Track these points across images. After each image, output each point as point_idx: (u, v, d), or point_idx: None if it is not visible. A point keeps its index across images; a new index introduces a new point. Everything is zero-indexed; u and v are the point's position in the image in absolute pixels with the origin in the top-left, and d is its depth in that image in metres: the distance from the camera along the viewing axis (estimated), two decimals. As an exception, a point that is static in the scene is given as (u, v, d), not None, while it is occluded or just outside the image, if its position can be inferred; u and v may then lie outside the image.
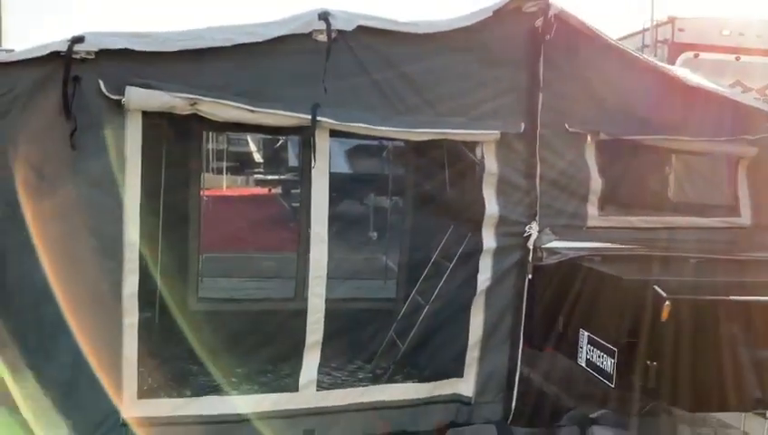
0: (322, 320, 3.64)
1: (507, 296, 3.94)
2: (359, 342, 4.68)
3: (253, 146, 16.11)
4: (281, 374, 4.35)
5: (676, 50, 8.75)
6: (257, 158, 16.10)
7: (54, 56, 3.11)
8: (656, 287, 3.23)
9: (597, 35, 3.97)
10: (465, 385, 3.96)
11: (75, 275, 3.21)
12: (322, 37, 3.44)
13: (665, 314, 3.15)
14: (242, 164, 15.43)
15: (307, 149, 3.59)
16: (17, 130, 3.11)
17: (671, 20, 9.04)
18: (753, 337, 3.26)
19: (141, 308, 3.42)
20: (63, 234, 3.20)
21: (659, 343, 3.20)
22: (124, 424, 3.34)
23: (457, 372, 3.97)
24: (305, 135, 3.62)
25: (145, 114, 3.27)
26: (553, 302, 3.92)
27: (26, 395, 3.21)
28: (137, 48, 3.20)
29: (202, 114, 3.34)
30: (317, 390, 3.70)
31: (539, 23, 3.78)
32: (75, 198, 3.20)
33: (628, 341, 3.32)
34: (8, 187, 3.09)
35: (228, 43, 3.33)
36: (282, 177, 14.03)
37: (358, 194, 10.93)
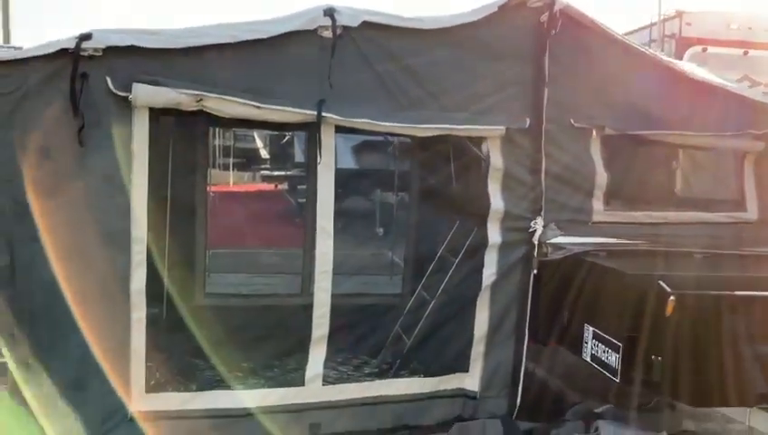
0: (328, 314, 3.67)
1: (512, 291, 3.95)
2: (364, 337, 4.70)
3: (259, 142, 16.13)
4: (287, 369, 4.38)
5: (683, 44, 8.71)
6: (264, 154, 16.11)
7: (62, 53, 3.13)
8: (660, 282, 3.23)
9: (602, 30, 3.96)
10: (471, 380, 3.98)
11: (84, 272, 3.25)
12: (327, 33, 3.45)
13: (669, 309, 3.15)
14: (248, 160, 15.45)
15: (313, 144, 3.60)
16: (26, 126, 3.14)
17: (678, 14, 9.00)
18: (758, 332, 3.26)
19: (149, 303, 3.45)
20: (72, 230, 3.23)
21: (664, 338, 3.21)
22: (133, 418, 3.38)
23: (463, 366, 3.99)
24: (311, 131, 3.64)
25: (152, 110, 3.29)
26: (558, 297, 3.93)
27: (36, 390, 3.25)
28: (144, 45, 3.22)
29: (208, 110, 3.36)
30: (323, 384, 3.73)
31: (544, 18, 3.78)
32: (83, 194, 3.24)
33: (633, 336, 3.33)
34: (18, 184, 3.12)
35: (234, 40, 3.35)
36: (288, 173, 14.06)
37: (364, 190, 10.94)
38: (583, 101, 3.98)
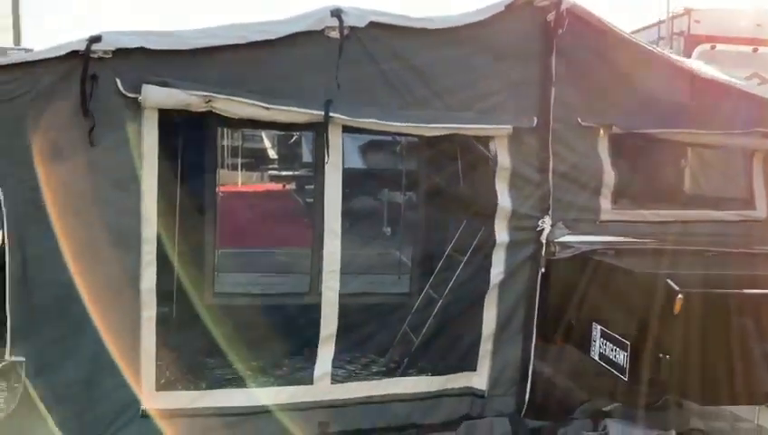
0: (336, 313, 3.69)
1: (520, 290, 3.96)
2: (372, 335, 4.72)
3: (267, 142, 16.18)
4: (295, 367, 4.40)
5: (692, 42, 8.67)
6: (272, 154, 16.17)
7: (73, 55, 3.17)
8: (668, 281, 3.22)
9: (609, 29, 3.96)
10: (479, 378, 3.98)
11: (95, 271, 3.28)
12: (335, 34, 3.47)
13: (677, 308, 3.15)
14: (257, 160, 15.51)
15: (320, 144, 3.63)
16: (38, 128, 3.17)
17: (687, 11, 8.96)
18: (766, 330, 3.25)
19: (158, 303, 3.47)
20: (83, 230, 3.26)
21: (672, 337, 3.20)
22: (143, 416, 3.41)
23: (471, 365, 4.00)
24: (319, 131, 3.66)
25: (161, 111, 3.32)
26: (566, 296, 3.93)
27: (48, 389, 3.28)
28: (153, 47, 3.26)
29: (217, 111, 3.39)
30: (331, 382, 3.75)
31: (551, 17, 3.78)
32: (94, 194, 3.27)
33: (641, 334, 3.33)
34: (31, 184, 3.16)
35: (242, 41, 3.38)
36: (296, 173, 14.11)
37: (371, 189, 10.96)
38: (591, 99, 3.98)
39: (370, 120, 3.59)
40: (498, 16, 3.75)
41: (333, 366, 3.75)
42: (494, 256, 3.90)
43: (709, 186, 4.91)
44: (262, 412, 3.60)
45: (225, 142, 11.88)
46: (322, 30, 3.47)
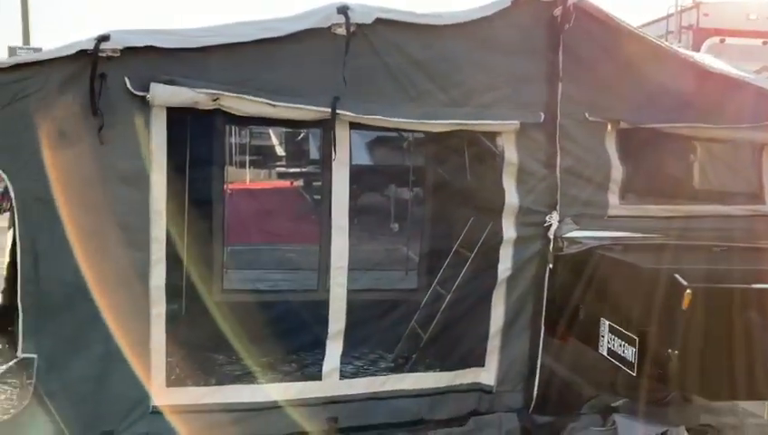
0: (344, 309, 3.70)
1: (528, 286, 3.95)
2: (380, 332, 4.74)
3: (275, 139, 16.23)
4: (304, 363, 4.43)
5: (701, 35, 8.63)
6: (279, 151, 16.21)
7: (81, 55, 3.19)
8: (676, 276, 3.21)
9: (617, 23, 3.94)
10: (487, 374, 3.99)
11: (105, 269, 3.30)
12: (341, 31, 3.47)
13: (686, 303, 3.14)
14: (264, 157, 15.55)
15: (328, 141, 3.63)
16: (47, 127, 3.20)
17: (696, 5, 8.92)
18: (776, 325, 3.24)
19: (168, 299, 3.50)
20: (92, 228, 3.29)
21: (681, 332, 3.19)
22: (153, 412, 3.44)
23: (478, 361, 4.00)
24: (326, 128, 3.67)
25: (169, 109, 3.34)
26: (574, 291, 3.92)
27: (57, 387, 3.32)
28: (161, 45, 3.27)
29: (225, 109, 3.40)
30: (340, 378, 3.76)
31: (557, 12, 3.77)
32: (103, 192, 3.29)
33: (650, 329, 3.32)
34: (42, 184, 3.18)
35: (250, 39, 3.39)
36: (303, 169, 14.14)
37: (378, 185, 10.97)
38: (598, 94, 3.96)
39: (377, 116, 3.59)
40: (505, 12, 3.74)
41: (341, 362, 3.77)
42: (501, 252, 3.90)
43: (718, 180, 4.88)
44: (271, 408, 3.62)
45: (232, 140, 11.93)
46: (329, 27, 3.47)
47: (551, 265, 3.89)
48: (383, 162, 10.51)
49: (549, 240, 3.87)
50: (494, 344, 3.98)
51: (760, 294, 3.26)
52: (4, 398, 4.03)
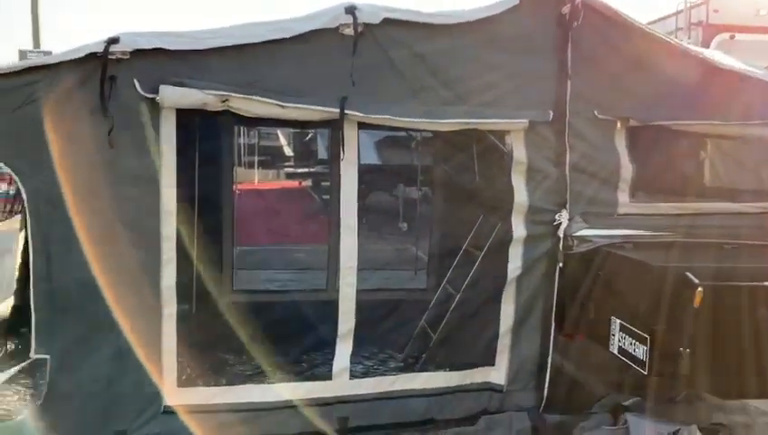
0: (354, 309, 3.71)
1: (538, 285, 3.94)
2: (390, 331, 4.74)
3: (283, 140, 16.30)
4: (314, 363, 4.44)
5: (710, 32, 8.56)
6: (287, 151, 16.27)
7: (91, 57, 3.21)
8: (688, 274, 3.20)
9: (625, 20, 3.92)
10: (497, 373, 3.98)
11: (116, 270, 3.32)
12: (349, 31, 3.47)
13: (697, 301, 3.12)
14: (272, 158, 15.62)
15: (336, 141, 3.64)
16: (58, 128, 3.22)
17: (705, 1, 8.84)
18: (789, 323, 3.21)
19: (178, 300, 3.52)
20: (103, 229, 3.31)
21: (692, 330, 3.18)
22: (165, 412, 3.46)
23: (489, 360, 3.99)
24: (334, 128, 3.67)
25: (179, 111, 3.36)
26: (584, 290, 3.90)
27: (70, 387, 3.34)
28: (169, 47, 3.29)
29: (234, 110, 3.41)
30: (350, 378, 3.77)
31: (566, 10, 3.76)
32: (114, 193, 3.31)
33: (661, 328, 3.30)
34: (52, 185, 3.21)
35: (258, 40, 3.40)
36: (311, 169, 14.19)
37: (387, 185, 10.98)
38: (607, 92, 3.94)
39: (385, 116, 3.59)
40: (513, 10, 3.73)
41: (351, 362, 3.77)
42: (511, 251, 3.89)
43: (728, 178, 4.84)
44: (281, 407, 3.64)
45: (241, 140, 11.99)
46: (337, 27, 3.48)
47: (561, 264, 3.88)
48: (391, 162, 10.52)
49: (559, 239, 3.86)
50: (504, 343, 3.97)
51: (772, 291, 3.24)
52: (18, 398, 4.07)
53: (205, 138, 4.82)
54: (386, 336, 4.70)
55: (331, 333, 3.78)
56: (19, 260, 5.14)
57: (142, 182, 3.35)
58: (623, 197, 4.02)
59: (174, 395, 3.48)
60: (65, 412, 3.34)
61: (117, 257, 3.32)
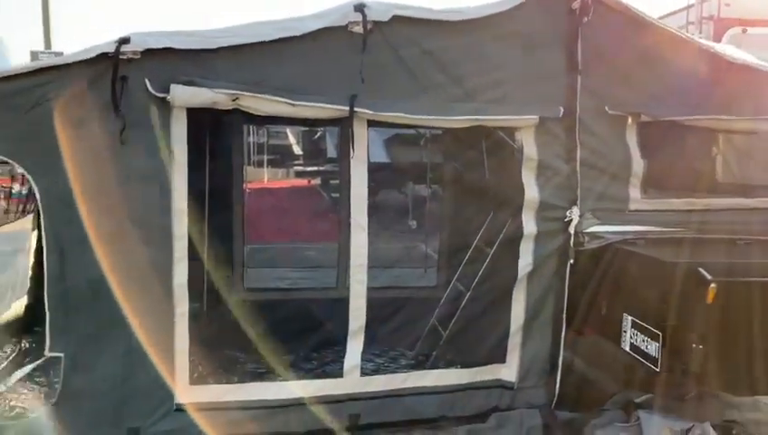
0: (365, 306, 3.71)
1: (549, 281, 3.93)
2: (400, 329, 4.74)
3: (292, 138, 16.32)
4: (324, 361, 4.45)
5: (722, 26, 8.49)
6: (296, 150, 16.30)
7: (102, 58, 3.23)
8: (701, 270, 3.18)
9: (636, 15, 3.90)
10: (508, 370, 3.98)
11: (128, 268, 3.34)
12: (358, 28, 3.48)
13: (710, 297, 3.10)
14: (282, 156, 15.65)
15: (346, 139, 3.64)
16: (71, 128, 3.24)
17: (716, -5, 8.76)
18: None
19: (189, 298, 3.53)
20: (115, 227, 3.33)
21: (705, 327, 3.16)
22: (177, 409, 3.48)
23: (500, 357, 3.99)
24: (344, 126, 3.68)
25: (188, 110, 3.37)
26: (596, 286, 3.89)
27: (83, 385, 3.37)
28: (180, 47, 3.30)
29: (244, 109, 3.43)
30: (361, 375, 3.77)
31: (576, 5, 3.74)
32: (125, 192, 3.33)
33: (674, 324, 3.28)
34: (64, 186, 3.23)
35: (267, 38, 3.41)
36: (321, 168, 14.20)
37: (396, 182, 10.97)
38: (618, 87, 3.92)
39: (395, 113, 3.59)
40: (523, 5, 3.72)
41: (362, 359, 3.77)
42: (521, 248, 3.88)
43: (741, 173, 4.80)
44: (293, 405, 3.65)
45: (250, 139, 12.03)
46: (346, 25, 3.48)
47: (572, 261, 3.86)
48: (400, 159, 10.51)
49: (570, 235, 3.84)
50: (515, 341, 3.96)
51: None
52: (33, 396, 4.12)
53: (215, 137, 4.84)
54: (396, 334, 4.70)
55: (341, 331, 3.78)
56: (32, 259, 5.20)
57: (153, 181, 3.36)
58: (634, 192, 4.00)
59: (186, 393, 3.50)
60: (79, 410, 3.36)
61: (129, 256, 3.34)
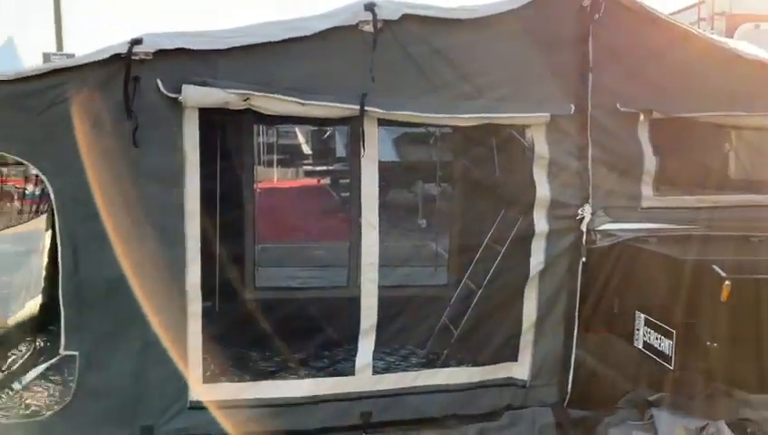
0: (376, 305, 3.71)
1: (561, 280, 3.91)
2: (411, 328, 4.74)
3: (301, 138, 16.37)
4: (335, 359, 4.46)
5: (734, 21, 8.41)
6: (306, 150, 16.35)
7: (115, 59, 3.25)
8: (715, 267, 3.16)
9: (647, 12, 3.88)
10: (520, 369, 3.97)
11: (141, 266, 3.36)
12: (369, 28, 3.48)
13: (725, 295, 3.08)
14: (291, 156, 15.70)
15: (356, 138, 3.65)
16: (84, 129, 3.26)
17: (728, -10, 8.67)
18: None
19: (202, 297, 3.55)
20: (128, 227, 3.35)
21: (720, 324, 3.14)
22: (191, 407, 3.50)
23: (512, 355, 3.98)
24: (354, 125, 3.68)
25: (201, 110, 3.39)
26: (608, 284, 3.88)
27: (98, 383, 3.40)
28: (191, 47, 3.32)
29: (255, 108, 3.44)
30: (372, 374, 3.78)
31: (587, 2, 3.73)
32: (138, 192, 3.35)
33: (688, 322, 3.27)
34: (79, 184, 3.26)
35: (278, 38, 3.42)
36: (330, 167, 14.24)
37: (405, 181, 10.98)
38: (629, 84, 3.90)
39: (406, 112, 3.59)
40: (533, 4, 3.70)
41: (373, 358, 3.77)
42: (533, 246, 3.87)
43: (754, 169, 4.77)
44: (304, 403, 3.66)
45: (260, 139, 12.07)
46: (356, 24, 3.48)
47: (584, 259, 3.84)
48: (409, 158, 10.51)
49: (582, 233, 3.83)
50: (527, 339, 3.95)
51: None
52: (48, 395, 4.16)
53: (225, 137, 4.87)
54: (407, 333, 4.70)
55: (352, 330, 3.79)
56: (46, 259, 5.25)
57: (166, 181, 3.38)
58: (647, 190, 3.97)
59: (199, 391, 3.52)
60: (93, 408, 3.39)
61: (142, 255, 3.36)
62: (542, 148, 3.81)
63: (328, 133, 14.13)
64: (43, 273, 5.29)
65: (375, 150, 3.67)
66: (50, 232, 5.13)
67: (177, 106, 3.33)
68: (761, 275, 3.22)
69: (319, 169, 15.07)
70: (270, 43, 3.43)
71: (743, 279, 3.13)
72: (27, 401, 4.06)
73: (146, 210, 3.36)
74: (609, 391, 4.03)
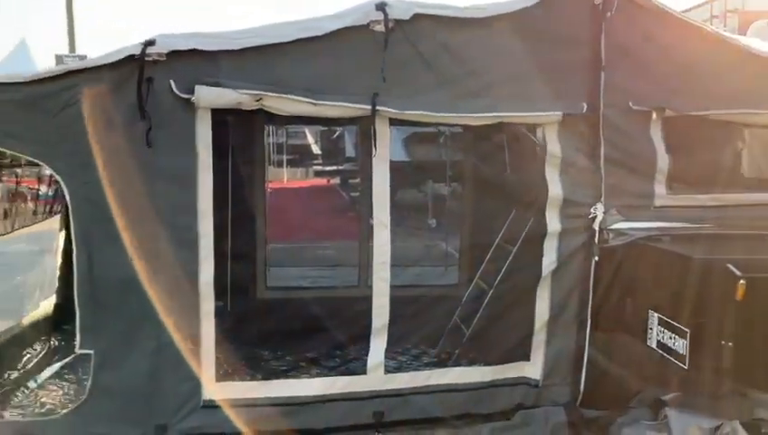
0: (388, 304, 3.72)
1: (573, 279, 3.90)
2: (422, 327, 4.73)
3: (311, 138, 16.42)
4: (347, 359, 4.47)
5: (747, 19, 8.36)
6: (315, 150, 16.39)
7: (128, 60, 3.27)
8: (729, 266, 3.13)
9: (660, 9, 3.86)
10: (532, 368, 3.96)
11: (154, 266, 3.38)
12: (380, 27, 3.48)
13: (740, 294, 3.06)
14: (301, 156, 15.75)
15: (367, 137, 3.65)
16: (98, 130, 3.29)
17: (741, -13, 8.63)
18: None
19: (214, 297, 3.57)
20: (142, 226, 3.37)
21: (735, 323, 3.12)
22: (204, 406, 3.52)
23: (524, 355, 3.97)
24: (366, 125, 3.69)
25: (213, 111, 3.41)
26: (621, 284, 3.86)
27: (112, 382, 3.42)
28: (204, 48, 3.34)
29: (267, 109, 3.45)
30: (384, 373, 3.78)
31: (599, 0, 3.71)
32: (151, 192, 3.37)
33: (702, 321, 3.24)
34: (92, 186, 3.29)
35: (290, 39, 3.43)
36: (340, 167, 14.26)
37: (415, 181, 10.97)
38: (642, 83, 3.88)
39: (417, 111, 3.60)
40: (546, 2, 3.70)
41: (384, 357, 3.78)
42: (545, 245, 3.86)
43: (767, 167, 4.73)
44: (316, 402, 3.67)
45: (270, 140, 12.12)
46: (368, 24, 3.49)
47: (596, 258, 3.83)
48: (419, 158, 10.50)
49: (594, 232, 3.81)
50: (539, 338, 3.94)
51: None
52: (62, 393, 4.20)
53: (237, 137, 4.89)
54: (418, 332, 4.69)
55: (364, 329, 3.79)
56: (60, 259, 5.30)
57: (179, 181, 3.40)
58: (660, 188, 3.95)
59: (213, 390, 3.53)
60: (108, 407, 3.42)
61: (155, 254, 3.39)
62: (554, 146, 3.80)
63: (337, 133, 14.16)
64: (57, 273, 5.34)
65: (386, 150, 3.68)
66: (63, 232, 5.18)
67: (189, 107, 3.35)
68: None
69: (328, 168, 15.11)
70: (281, 43, 3.44)
71: (758, 278, 3.10)
72: (42, 400, 4.10)
73: (159, 210, 3.39)
74: (621, 391, 4.00)
